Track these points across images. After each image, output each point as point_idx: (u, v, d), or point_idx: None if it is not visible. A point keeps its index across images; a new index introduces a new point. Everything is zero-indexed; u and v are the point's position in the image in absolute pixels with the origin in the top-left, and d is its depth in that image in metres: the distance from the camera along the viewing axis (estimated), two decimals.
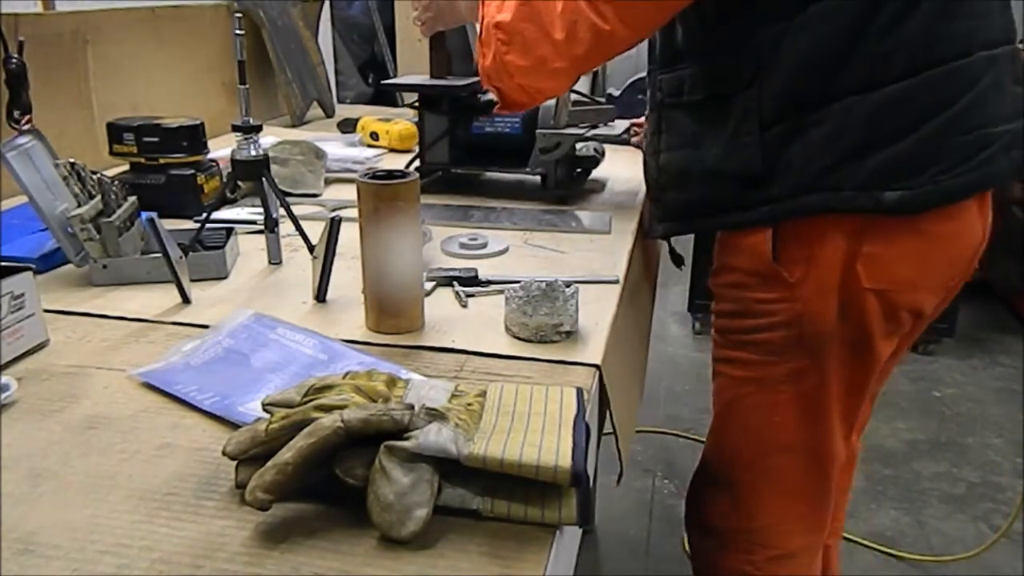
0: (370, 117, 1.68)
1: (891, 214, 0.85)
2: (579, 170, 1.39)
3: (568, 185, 1.28)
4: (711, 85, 0.93)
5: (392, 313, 0.81)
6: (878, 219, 0.86)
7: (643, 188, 1.35)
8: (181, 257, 0.90)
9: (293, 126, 1.90)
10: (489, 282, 0.93)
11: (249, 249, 1.05)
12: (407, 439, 0.53)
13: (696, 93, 0.94)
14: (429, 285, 0.91)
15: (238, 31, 0.90)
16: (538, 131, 1.25)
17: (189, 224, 1.09)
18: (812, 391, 0.97)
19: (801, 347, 0.94)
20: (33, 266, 0.77)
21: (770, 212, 0.89)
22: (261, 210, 1.00)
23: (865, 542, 1.91)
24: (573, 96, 1.37)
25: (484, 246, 1.05)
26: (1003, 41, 0.88)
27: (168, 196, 1.16)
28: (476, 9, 0.97)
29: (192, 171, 1.18)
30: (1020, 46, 0.91)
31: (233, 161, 0.96)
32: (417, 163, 1.32)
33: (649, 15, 0.88)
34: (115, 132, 1.19)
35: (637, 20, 0.87)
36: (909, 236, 0.88)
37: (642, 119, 1.29)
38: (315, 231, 0.93)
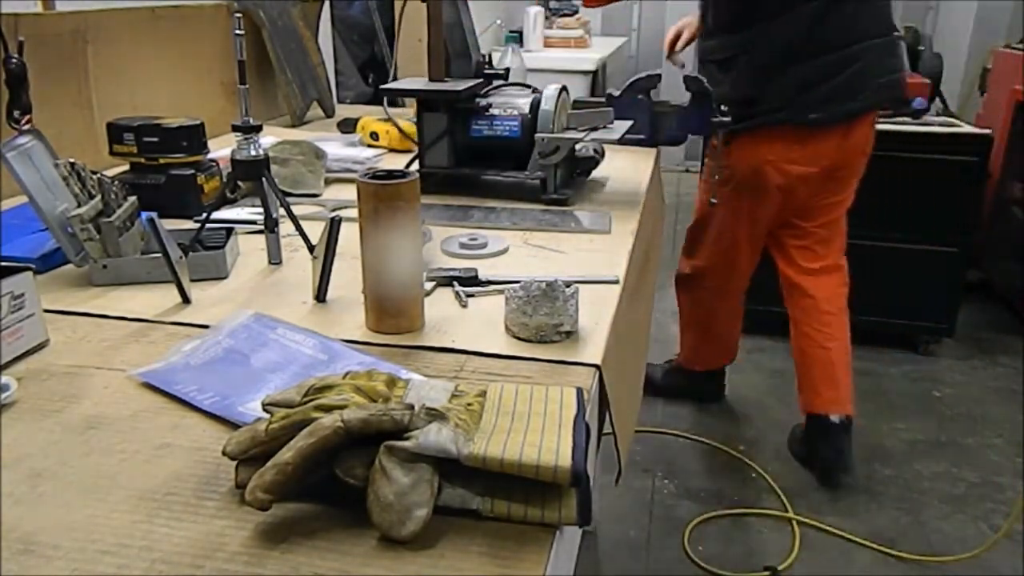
0: (370, 117, 1.68)
1: (807, 125, 1.86)
2: (579, 171, 1.39)
3: (567, 189, 1.28)
4: (724, 51, 1.88)
5: (392, 313, 0.81)
6: (782, 128, 1.88)
7: (643, 188, 1.37)
8: (181, 257, 0.90)
9: (293, 126, 1.90)
10: (489, 282, 0.93)
11: (249, 249, 1.05)
12: (407, 439, 0.53)
13: (719, 54, 1.90)
14: (429, 285, 0.91)
15: (238, 31, 0.90)
16: (537, 135, 1.24)
17: (189, 224, 1.09)
18: (732, 204, 2.06)
19: (729, 184, 2.02)
20: (33, 266, 0.77)
21: (753, 122, 1.87)
22: (261, 210, 1.00)
23: (865, 542, 1.91)
24: (572, 98, 1.37)
25: (484, 246, 1.05)
26: (876, 35, 1.84)
27: (168, 196, 1.16)
28: None
29: (192, 171, 1.18)
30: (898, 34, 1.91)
31: (233, 161, 0.96)
32: (416, 165, 1.32)
33: None
34: (115, 132, 1.19)
35: None
36: (794, 138, 1.89)
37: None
38: (315, 231, 0.93)
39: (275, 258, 1.01)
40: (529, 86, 1.39)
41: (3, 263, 0.75)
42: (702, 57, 1.98)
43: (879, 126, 2.69)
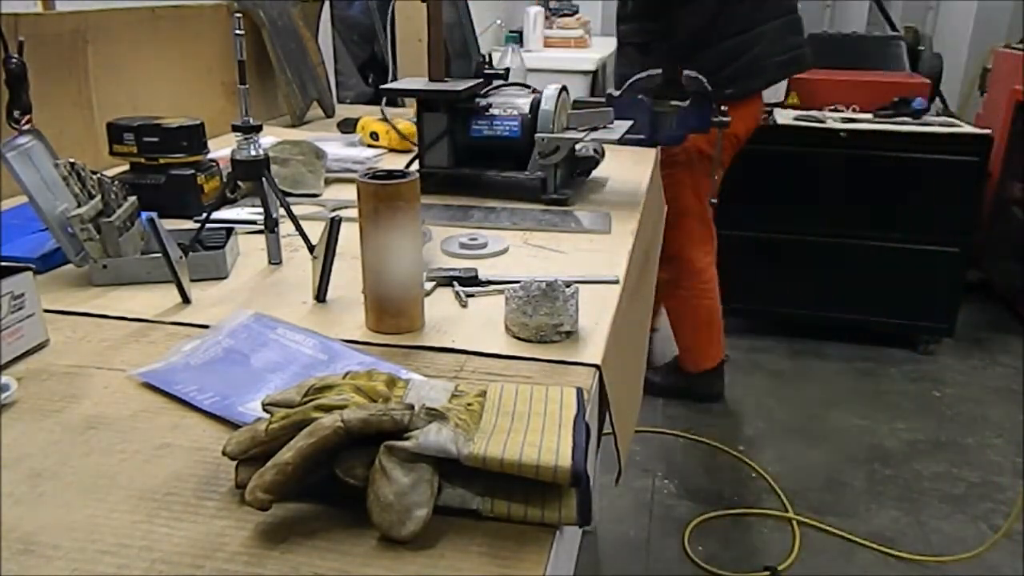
0: (370, 117, 1.68)
1: (725, 100, 1.65)
2: (579, 171, 1.39)
3: (567, 189, 1.28)
4: (645, 35, 2.10)
5: (392, 313, 0.81)
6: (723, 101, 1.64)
7: (643, 188, 1.37)
8: (181, 257, 0.90)
9: (293, 126, 1.89)
10: (489, 282, 0.93)
11: (249, 249, 1.05)
12: (407, 439, 0.53)
13: (637, 38, 2.12)
14: (429, 285, 0.91)
15: (238, 31, 0.90)
16: (537, 135, 1.24)
17: (189, 224, 1.09)
18: (696, 181, 2.23)
19: (689, 163, 2.18)
20: (33, 266, 0.77)
21: None
22: (261, 210, 1.00)
23: (865, 542, 1.91)
24: (572, 98, 1.37)
25: (484, 246, 1.05)
26: (774, 17, 2.10)
27: (168, 196, 1.16)
28: None
29: (192, 171, 1.18)
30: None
31: (233, 161, 0.96)
32: (416, 165, 1.32)
33: None
34: (115, 132, 1.19)
35: None
36: (735, 108, 1.79)
37: None
38: (315, 231, 0.93)
39: (275, 258, 1.01)
40: (529, 86, 1.39)
41: (3, 263, 0.75)
42: (621, 39, 2.22)
43: (879, 126, 2.71)
